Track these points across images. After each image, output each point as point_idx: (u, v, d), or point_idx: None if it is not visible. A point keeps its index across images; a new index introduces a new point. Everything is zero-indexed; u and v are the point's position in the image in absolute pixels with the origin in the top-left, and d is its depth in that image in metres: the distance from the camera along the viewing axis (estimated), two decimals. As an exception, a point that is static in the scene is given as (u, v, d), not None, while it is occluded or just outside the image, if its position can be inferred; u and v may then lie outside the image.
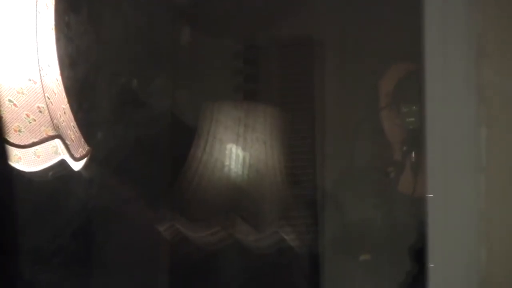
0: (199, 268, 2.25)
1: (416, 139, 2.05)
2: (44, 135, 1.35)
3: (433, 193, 1.42)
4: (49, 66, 1.43)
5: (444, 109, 1.42)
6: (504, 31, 1.42)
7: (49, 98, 1.38)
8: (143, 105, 2.25)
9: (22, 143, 1.31)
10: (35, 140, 1.33)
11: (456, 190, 1.41)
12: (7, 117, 1.30)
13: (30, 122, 1.33)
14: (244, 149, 2.16)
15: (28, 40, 1.37)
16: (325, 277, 2.26)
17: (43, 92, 1.37)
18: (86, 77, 2.01)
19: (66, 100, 1.48)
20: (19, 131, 1.31)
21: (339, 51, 2.33)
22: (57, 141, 1.39)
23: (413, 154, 2.08)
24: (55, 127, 1.37)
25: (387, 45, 2.18)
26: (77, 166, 1.46)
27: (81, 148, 1.48)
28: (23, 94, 1.34)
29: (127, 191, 2.13)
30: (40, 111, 1.35)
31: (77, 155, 1.45)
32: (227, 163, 2.15)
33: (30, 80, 1.35)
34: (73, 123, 1.49)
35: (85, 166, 1.50)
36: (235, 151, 2.16)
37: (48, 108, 1.37)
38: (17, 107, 1.32)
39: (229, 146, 2.16)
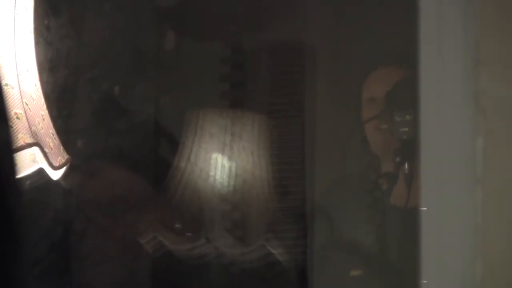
0: (182, 282, 2.23)
1: (410, 149, 2.04)
2: (22, 143, 1.34)
3: (427, 206, 1.40)
4: (27, 70, 1.42)
5: (440, 118, 1.40)
6: (502, 38, 1.40)
7: (27, 104, 1.37)
8: (125, 112, 2.24)
9: (-3, 151, 1.29)
10: (12, 148, 1.31)
11: (451, 202, 1.38)
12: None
13: (7, 129, 1.31)
14: (230, 158, 2.14)
15: (5, 44, 1.36)
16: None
17: (21, 97, 1.36)
18: (66, 83, 2.01)
19: (45, 106, 1.48)
20: (-5, 138, 1.29)
21: (331, 58, 2.32)
22: (35, 149, 1.38)
23: (406, 166, 2.07)
24: (33, 134, 1.36)
25: (381, 52, 2.16)
26: (56, 175, 1.47)
27: (60, 157, 1.48)
28: (0, 99, 1.32)
29: (107, 201, 2.12)
30: (18, 118, 1.35)
31: (56, 164, 1.45)
32: (212, 173, 2.14)
33: (7, 85, 1.35)
34: (52, 130, 1.48)
35: (64, 175, 1.51)
36: (221, 160, 2.14)
37: (26, 115, 1.36)
38: (-7, 113, 1.30)
39: (214, 155, 2.15)
